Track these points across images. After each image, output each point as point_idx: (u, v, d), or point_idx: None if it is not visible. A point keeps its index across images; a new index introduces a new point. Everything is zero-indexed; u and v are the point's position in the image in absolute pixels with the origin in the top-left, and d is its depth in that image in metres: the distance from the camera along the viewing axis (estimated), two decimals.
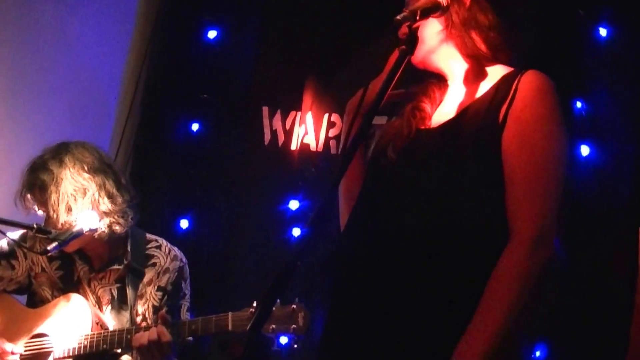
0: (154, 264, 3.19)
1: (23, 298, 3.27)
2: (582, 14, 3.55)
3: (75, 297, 3.10)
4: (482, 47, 2.19)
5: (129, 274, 3.14)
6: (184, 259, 3.25)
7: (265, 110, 4.17)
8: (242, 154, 4.21)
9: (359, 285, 2.07)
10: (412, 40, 2.05)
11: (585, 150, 3.49)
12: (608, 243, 3.42)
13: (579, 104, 3.55)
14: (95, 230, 3.05)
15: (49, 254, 3.03)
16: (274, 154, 4.12)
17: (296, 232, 3.87)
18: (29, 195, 3.09)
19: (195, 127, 4.30)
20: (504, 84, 2.11)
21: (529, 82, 2.07)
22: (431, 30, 2.19)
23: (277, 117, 4.15)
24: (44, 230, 2.99)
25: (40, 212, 3.12)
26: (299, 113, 4.09)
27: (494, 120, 2.05)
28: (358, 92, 2.22)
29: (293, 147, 4.08)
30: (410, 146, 2.16)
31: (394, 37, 2.08)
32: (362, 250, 2.09)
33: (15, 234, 3.19)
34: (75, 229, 3.01)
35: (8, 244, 3.20)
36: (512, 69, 2.16)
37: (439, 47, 2.22)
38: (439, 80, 2.29)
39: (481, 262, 1.97)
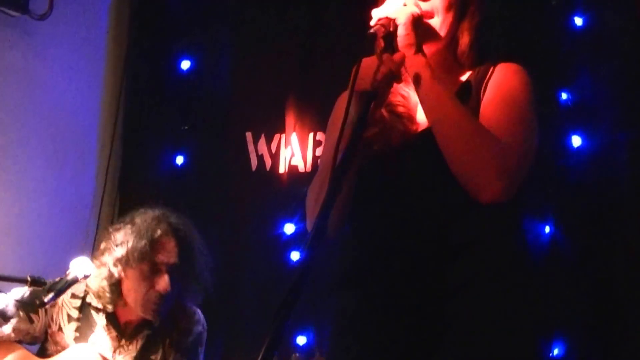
0: (176, 325, 3.15)
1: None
2: (554, 4, 3.52)
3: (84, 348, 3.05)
4: (469, 48, 2.22)
5: (153, 336, 3.11)
6: (205, 325, 3.23)
7: (248, 135, 4.13)
8: (230, 182, 4.17)
9: (370, 289, 2.10)
10: (390, 48, 2.05)
11: (576, 140, 3.45)
12: (613, 234, 3.38)
13: (564, 95, 3.52)
14: (89, 276, 3.00)
15: (47, 306, 2.98)
16: (263, 179, 4.08)
17: (295, 255, 3.81)
18: None
19: (179, 159, 4.27)
20: (480, 74, 2.15)
21: (503, 66, 2.15)
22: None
23: (262, 141, 4.10)
24: (39, 282, 2.94)
25: None
26: (283, 135, 4.05)
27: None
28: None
29: (281, 170, 4.03)
30: (406, 155, 2.14)
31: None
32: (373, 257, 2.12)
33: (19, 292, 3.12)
34: (69, 277, 2.96)
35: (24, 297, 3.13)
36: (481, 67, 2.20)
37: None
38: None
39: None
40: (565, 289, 3.34)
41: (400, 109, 2.18)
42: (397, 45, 2.05)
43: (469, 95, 2.13)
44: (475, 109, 2.10)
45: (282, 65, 4.10)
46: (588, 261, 3.39)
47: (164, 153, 4.32)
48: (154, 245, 3.04)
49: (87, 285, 3.14)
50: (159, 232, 3.06)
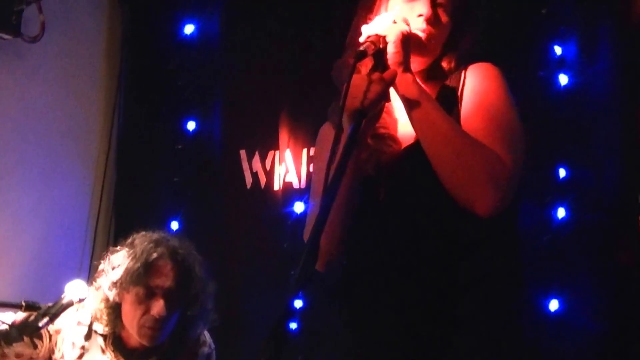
0: (184, 349, 3.13)
1: None
2: (544, 13, 3.51)
3: None
4: (450, 61, 2.23)
5: None
6: (212, 345, 3.21)
7: (242, 153, 4.12)
8: (225, 201, 4.16)
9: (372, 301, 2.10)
10: (380, 66, 2.06)
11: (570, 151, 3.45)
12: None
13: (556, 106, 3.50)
14: (84, 299, 2.98)
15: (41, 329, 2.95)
16: (258, 197, 4.07)
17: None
18: None
19: (173, 179, 4.25)
20: (454, 80, 2.17)
21: (474, 68, 2.17)
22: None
23: (256, 159, 4.09)
24: (33, 307, 2.92)
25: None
26: (277, 152, 4.04)
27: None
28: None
29: (276, 187, 4.02)
30: (397, 175, 2.13)
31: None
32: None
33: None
34: (64, 301, 2.94)
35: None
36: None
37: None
38: None
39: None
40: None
41: (382, 131, 2.17)
42: (386, 62, 2.05)
43: (449, 104, 2.13)
44: (456, 118, 2.10)
45: (274, 82, 4.09)
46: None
47: (158, 173, 4.31)
48: (148, 268, 3.02)
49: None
50: (154, 255, 3.03)
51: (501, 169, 2.00)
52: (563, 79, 3.46)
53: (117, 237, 3.88)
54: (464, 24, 2.25)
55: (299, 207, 3.86)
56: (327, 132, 2.34)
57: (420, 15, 2.14)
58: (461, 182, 1.99)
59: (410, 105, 2.05)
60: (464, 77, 2.17)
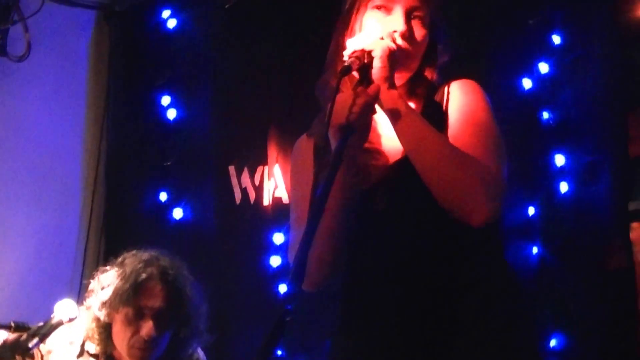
0: None
1: None
2: (532, 23, 3.52)
3: None
4: (430, 73, 2.25)
5: None
6: None
7: (231, 169, 4.09)
8: (215, 217, 4.13)
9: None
10: (366, 80, 2.05)
11: (560, 159, 3.44)
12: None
13: (545, 115, 3.51)
14: (74, 319, 2.97)
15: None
16: (247, 212, 4.04)
17: (282, 288, 3.77)
18: None
19: (163, 196, 4.24)
20: (438, 96, 2.19)
21: (457, 85, 2.19)
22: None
23: (245, 174, 4.07)
24: (22, 327, 2.91)
25: None
26: (266, 167, 4.02)
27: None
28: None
29: (265, 202, 3.99)
30: (387, 190, 2.13)
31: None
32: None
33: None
34: (54, 321, 2.93)
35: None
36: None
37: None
38: None
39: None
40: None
41: (367, 145, 2.15)
42: (371, 78, 2.05)
43: (435, 118, 2.12)
44: (443, 132, 2.11)
45: (262, 97, 4.08)
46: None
47: (147, 190, 4.29)
48: (138, 289, 2.99)
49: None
50: (144, 275, 3.01)
51: (493, 179, 2.02)
52: (551, 90, 3.45)
53: (107, 255, 3.83)
54: (442, 36, 2.26)
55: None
56: (304, 146, 2.32)
57: (394, 31, 2.13)
58: (456, 194, 2.00)
59: (398, 120, 2.05)
60: (447, 93, 2.19)
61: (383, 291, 2.10)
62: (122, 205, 4.39)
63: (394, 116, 2.06)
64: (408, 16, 2.17)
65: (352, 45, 2.07)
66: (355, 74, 2.06)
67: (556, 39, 3.51)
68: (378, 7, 2.20)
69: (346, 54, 2.06)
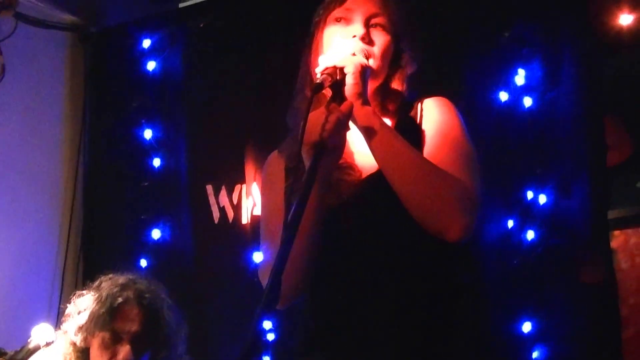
0: None
1: None
2: (506, 36, 3.52)
3: None
4: (400, 86, 2.26)
5: None
6: None
7: (209, 188, 4.08)
8: (194, 237, 4.12)
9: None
10: (338, 98, 2.05)
11: (538, 171, 3.44)
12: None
13: (523, 127, 3.50)
14: (52, 343, 2.95)
15: None
16: (226, 232, 4.02)
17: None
18: None
19: (141, 217, 4.22)
20: (410, 111, 2.20)
21: (430, 102, 2.22)
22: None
23: (223, 193, 4.05)
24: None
25: None
26: (244, 185, 4.00)
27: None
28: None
29: (244, 221, 3.97)
30: (359, 204, 2.12)
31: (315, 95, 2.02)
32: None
33: None
34: (31, 345, 2.92)
35: None
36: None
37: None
38: None
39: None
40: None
41: (340, 161, 2.14)
42: (344, 94, 2.04)
43: (409, 133, 2.13)
44: (418, 147, 2.12)
45: (237, 116, 4.07)
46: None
47: (125, 212, 4.27)
48: (114, 313, 2.98)
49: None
50: (120, 299, 3.00)
51: (468, 195, 2.02)
52: (527, 102, 3.45)
53: (85, 277, 3.85)
54: (407, 45, 2.27)
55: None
56: (275, 162, 2.33)
57: (354, 36, 2.15)
58: (431, 210, 2.00)
59: (372, 136, 2.05)
60: (421, 110, 2.21)
61: (347, 311, 2.08)
62: (100, 226, 4.37)
63: (368, 133, 2.05)
64: (367, 23, 2.20)
65: (324, 61, 2.07)
66: (327, 90, 2.05)
67: (531, 51, 3.51)
68: (338, 20, 2.23)
69: (318, 70, 2.06)
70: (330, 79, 2.02)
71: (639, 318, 4.70)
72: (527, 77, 3.47)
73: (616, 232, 4.86)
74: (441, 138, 2.14)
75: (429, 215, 2.00)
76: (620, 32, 3.87)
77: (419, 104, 2.21)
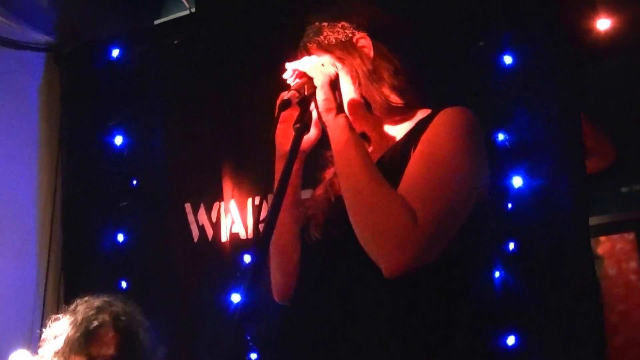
0: None
1: None
2: (482, 45, 3.50)
3: None
4: (394, 97, 2.15)
5: None
6: None
7: (187, 207, 4.04)
8: (173, 256, 4.08)
9: None
10: (305, 116, 2.02)
11: (517, 181, 3.41)
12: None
13: (501, 136, 3.48)
14: None
15: None
16: (206, 250, 3.98)
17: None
18: None
19: (120, 237, 4.19)
20: (420, 125, 2.08)
21: (442, 115, 2.04)
22: (345, 89, 2.14)
23: (202, 211, 4.01)
24: None
25: None
26: (222, 203, 3.96)
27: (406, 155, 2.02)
28: None
29: (223, 239, 3.93)
30: (334, 216, 2.09)
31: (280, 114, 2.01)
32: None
33: None
34: None
35: None
36: (429, 110, 2.12)
37: (353, 108, 2.17)
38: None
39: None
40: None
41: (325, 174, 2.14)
42: (309, 113, 2.02)
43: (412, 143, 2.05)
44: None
45: (214, 133, 4.04)
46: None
47: (104, 233, 4.23)
48: (89, 336, 2.94)
49: None
50: (95, 323, 2.96)
51: (408, 231, 1.84)
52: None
53: (67, 301, 3.77)
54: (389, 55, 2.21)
55: (247, 258, 3.77)
56: None
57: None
58: (367, 238, 1.90)
59: (337, 152, 2.00)
60: (432, 120, 2.06)
61: (329, 323, 2.06)
62: (80, 249, 4.34)
63: (335, 147, 2.01)
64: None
65: (291, 66, 2.07)
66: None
67: (507, 59, 3.48)
68: None
69: (287, 75, 2.07)
70: (297, 95, 2.00)
71: (628, 325, 4.71)
72: (504, 86, 3.45)
73: (602, 238, 4.87)
74: (428, 154, 1.97)
75: (366, 243, 1.90)
76: (598, 37, 3.86)
77: (435, 116, 2.06)
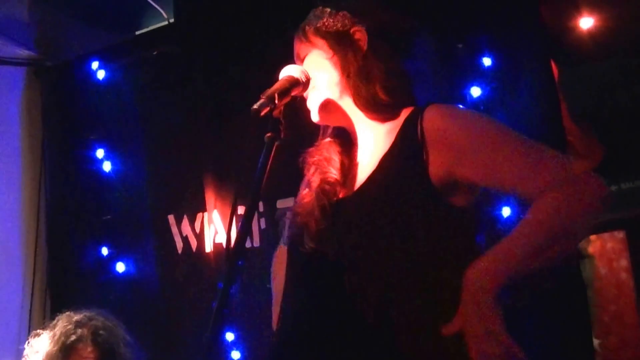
0: None
1: None
2: (460, 48, 3.47)
3: None
4: (382, 95, 2.13)
5: None
6: None
7: (171, 218, 4.01)
8: (157, 268, 4.05)
9: None
10: (276, 126, 1.99)
11: None
12: None
13: None
14: None
15: None
16: (191, 261, 3.95)
17: (230, 336, 3.68)
18: None
19: (104, 251, 4.17)
20: (408, 126, 2.07)
21: (429, 113, 2.06)
22: (330, 81, 2.15)
23: (185, 222, 3.98)
24: None
25: None
26: (205, 214, 3.93)
27: (412, 172, 2.00)
28: None
29: (207, 249, 3.90)
30: (328, 225, 2.06)
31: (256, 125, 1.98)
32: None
33: None
34: None
35: None
36: (411, 108, 2.12)
37: (339, 100, 2.17)
38: (342, 139, 2.23)
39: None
40: None
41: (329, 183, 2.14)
42: (280, 121, 2.00)
43: (410, 151, 2.04)
44: (422, 167, 2.01)
45: (195, 144, 4.01)
46: None
47: (88, 246, 4.22)
48: (67, 352, 2.93)
49: None
50: (73, 337, 2.95)
51: (567, 175, 1.91)
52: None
53: (54, 316, 3.78)
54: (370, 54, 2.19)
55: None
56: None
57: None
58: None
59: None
60: (420, 124, 2.05)
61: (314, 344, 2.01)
62: (65, 264, 4.31)
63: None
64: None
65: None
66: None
67: (486, 62, 3.45)
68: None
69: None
70: (267, 109, 1.97)
71: (621, 326, 4.68)
72: (482, 88, 3.42)
73: (592, 238, 4.84)
74: (479, 147, 1.98)
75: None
76: (581, 36, 3.84)
77: (420, 115, 2.07)
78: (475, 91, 3.42)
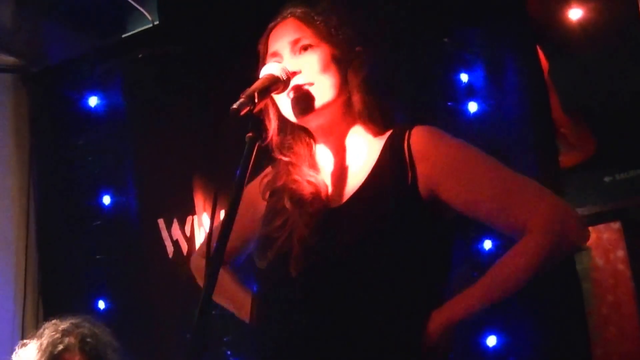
0: None
1: None
2: (447, 42, 3.44)
3: None
4: (384, 108, 2.15)
5: None
6: None
7: (161, 222, 3.99)
8: (149, 273, 4.03)
9: None
10: (258, 125, 1.99)
11: None
12: None
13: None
14: None
15: None
16: (181, 265, 3.89)
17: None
18: None
19: (95, 256, 4.14)
20: (394, 142, 2.08)
21: (417, 134, 2.07)
22: (334, 85, 2.13)
23: (175, 226, 3.96)
24: None
25: None
26: (195, 217, 3.91)
27: (403, 186, 2.01)
28: None
29: None
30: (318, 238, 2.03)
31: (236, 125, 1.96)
32: None
33: None
34: None
35: None
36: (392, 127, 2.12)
37: (339, 105, 2.15)
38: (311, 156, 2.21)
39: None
40: None
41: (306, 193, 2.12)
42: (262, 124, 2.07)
43: (397, 167, 2.04)
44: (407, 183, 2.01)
45: (183, 147, 3.98)
46: None
47: (80, 253, 4.20)
48: None
49: None
50: (60, 347, 2.93)
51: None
52: (472, 107, 3.36)
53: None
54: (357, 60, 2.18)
55: None
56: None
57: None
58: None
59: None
60: (409, 146, 2.06)
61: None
62: (57, 271, 4.30)
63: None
64: (295, 50, 2.15)
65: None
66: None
67: (472, 57, 3.43)
68: (273, 55, 2.19)
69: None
70: (247, 108, 1.94)
71: (620, 316, 4.65)
72: (470, 82, 3.39)
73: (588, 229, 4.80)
74: (461, 175, 2.03)
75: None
76: (571, 27, 3.82)
77: (408, 133, 2.08)
78: (462, 85, 3.40)
